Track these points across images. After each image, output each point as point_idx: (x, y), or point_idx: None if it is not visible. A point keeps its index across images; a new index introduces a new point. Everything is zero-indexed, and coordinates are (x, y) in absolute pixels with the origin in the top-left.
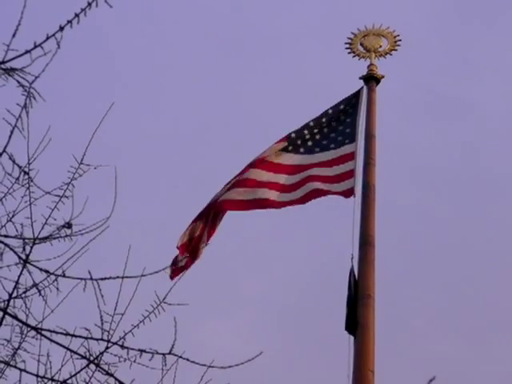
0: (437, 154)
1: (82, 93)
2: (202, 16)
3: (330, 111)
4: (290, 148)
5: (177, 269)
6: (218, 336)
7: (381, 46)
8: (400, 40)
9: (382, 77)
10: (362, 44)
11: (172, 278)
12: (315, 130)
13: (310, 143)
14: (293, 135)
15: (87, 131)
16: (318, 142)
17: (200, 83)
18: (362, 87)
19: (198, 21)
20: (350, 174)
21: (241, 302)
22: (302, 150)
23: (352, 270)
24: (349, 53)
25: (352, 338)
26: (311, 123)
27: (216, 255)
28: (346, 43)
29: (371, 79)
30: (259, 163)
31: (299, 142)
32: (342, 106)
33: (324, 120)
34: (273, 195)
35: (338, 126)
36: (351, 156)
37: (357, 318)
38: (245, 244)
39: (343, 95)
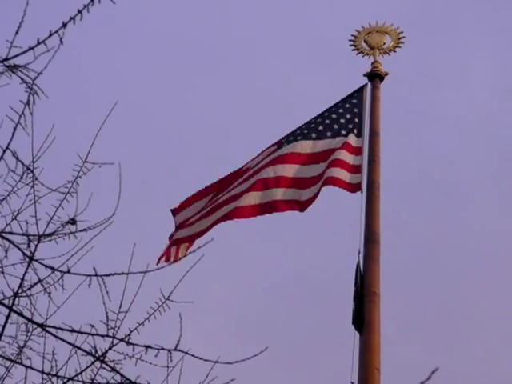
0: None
1: (86, 90)
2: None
3: (334, 108)
4: (298, 138)
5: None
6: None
7: (384, 43)
8: (404, 37)
9: (386, 74)
10: (365, 41)
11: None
12: (319, 120)
13: (320, 127)
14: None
15: (92, 129)
16: (328, 126)
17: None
18: (366, 84)
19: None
20: (358, 168)
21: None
22: (313, 135)
23: (358, 266)
24: (353, 50)
25: (357, 335)
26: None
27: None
28: (350, 40)
29: (375, 76)
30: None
31: (305, 132)
32: (346, 104)
33: (327, 114)
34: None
35: (345, 114)
36: (359, 150)
37: (363, 315)
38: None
39: (347, 93)
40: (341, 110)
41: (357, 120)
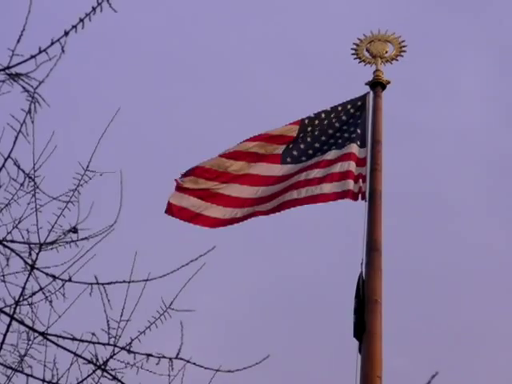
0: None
1: (88, 98)
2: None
3: (333, 114)
4: (289, 159)
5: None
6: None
7: (386, 52)
8: (406, 46)
9: (388, 82)
10: (367, 50)
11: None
12: (316, 132)
13: (310, 152)
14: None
15: (93, 137)
16: (319, 148)
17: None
18: (368, 92)
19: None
20: (359, 176)
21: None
22: (303, 158)
23: (361, 276)
24: (355, 58)
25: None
26: (315, 127)
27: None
28: (352, 49)
29: (377, 85)
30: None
31: (301, 147)
32: (341, 108)
33: (327, 120)
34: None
35: (342, 126)
36: (363, 161)
37: (364, 324)
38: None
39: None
40: (342, 121)
41: (359, 131)
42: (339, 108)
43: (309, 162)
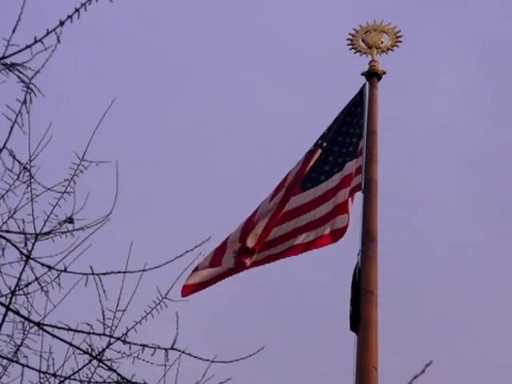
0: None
1: (84, 88)
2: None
3: (336, 126)
4: (309, 184)
5: (188, 286)
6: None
7: (382, 42)
8: (401, 36)
9: (384, 73)
10: (363, 40)
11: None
12: (325, 145)
13: (327, 168)
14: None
15: (89, 127)
16: (335, 162)
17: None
18: (365, 84)
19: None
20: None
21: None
22: (322, 177)
23: (357, 267)
24: (350, 49)
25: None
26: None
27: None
28: (348, 39)
29: (373, 75)
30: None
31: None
32: (343, 116)
33: (333, 131)
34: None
35: (349, 129)
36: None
37: (360, 315)
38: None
39: (345, 91)
40: (347, 123)
41: (358, 130)
42: (341, 117)
43: (328, 182)
